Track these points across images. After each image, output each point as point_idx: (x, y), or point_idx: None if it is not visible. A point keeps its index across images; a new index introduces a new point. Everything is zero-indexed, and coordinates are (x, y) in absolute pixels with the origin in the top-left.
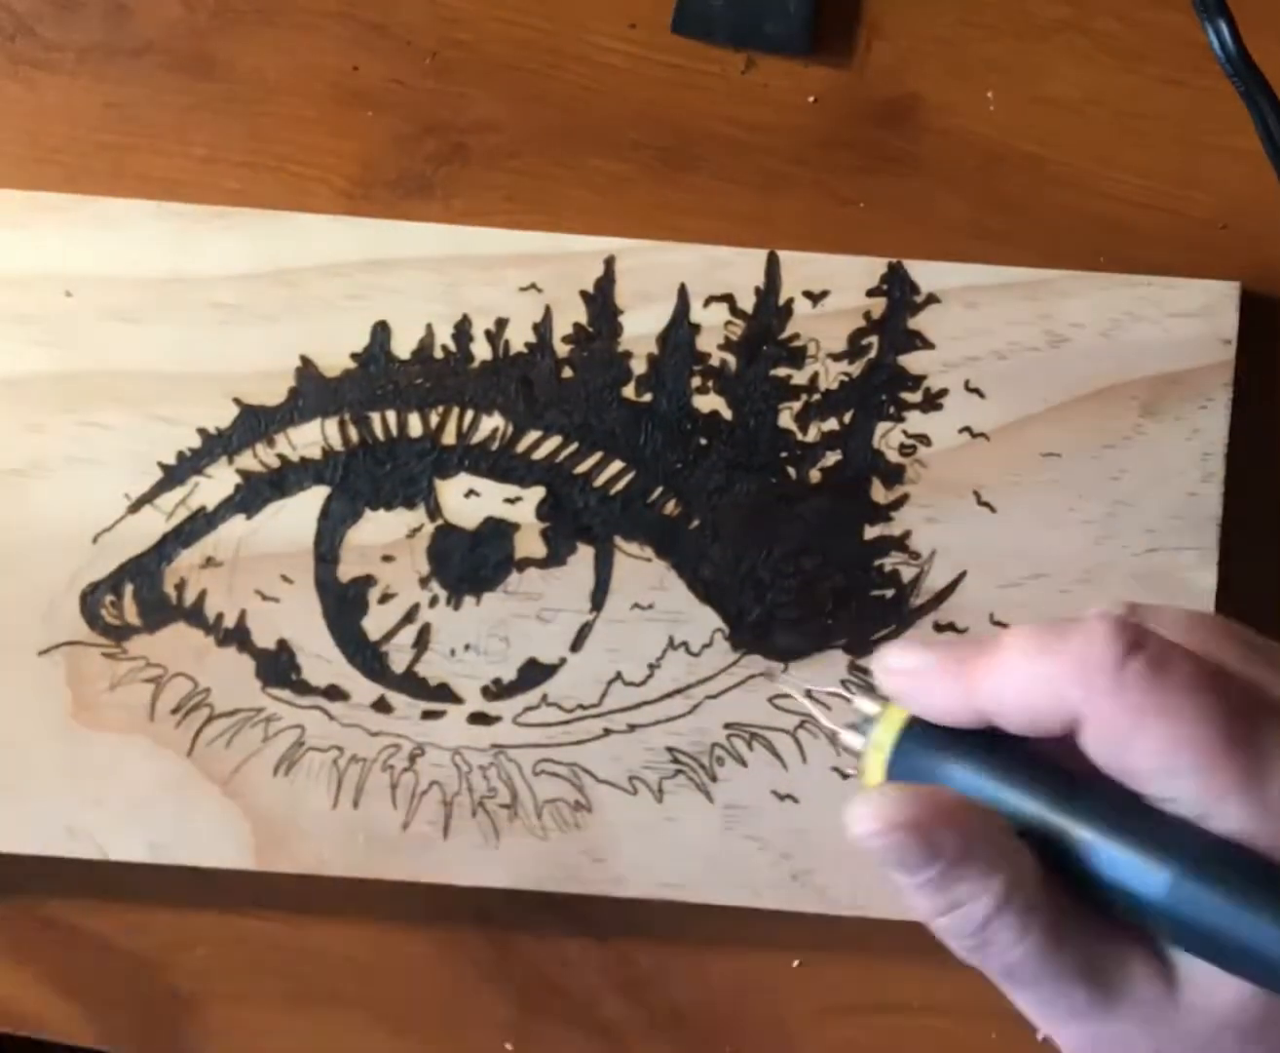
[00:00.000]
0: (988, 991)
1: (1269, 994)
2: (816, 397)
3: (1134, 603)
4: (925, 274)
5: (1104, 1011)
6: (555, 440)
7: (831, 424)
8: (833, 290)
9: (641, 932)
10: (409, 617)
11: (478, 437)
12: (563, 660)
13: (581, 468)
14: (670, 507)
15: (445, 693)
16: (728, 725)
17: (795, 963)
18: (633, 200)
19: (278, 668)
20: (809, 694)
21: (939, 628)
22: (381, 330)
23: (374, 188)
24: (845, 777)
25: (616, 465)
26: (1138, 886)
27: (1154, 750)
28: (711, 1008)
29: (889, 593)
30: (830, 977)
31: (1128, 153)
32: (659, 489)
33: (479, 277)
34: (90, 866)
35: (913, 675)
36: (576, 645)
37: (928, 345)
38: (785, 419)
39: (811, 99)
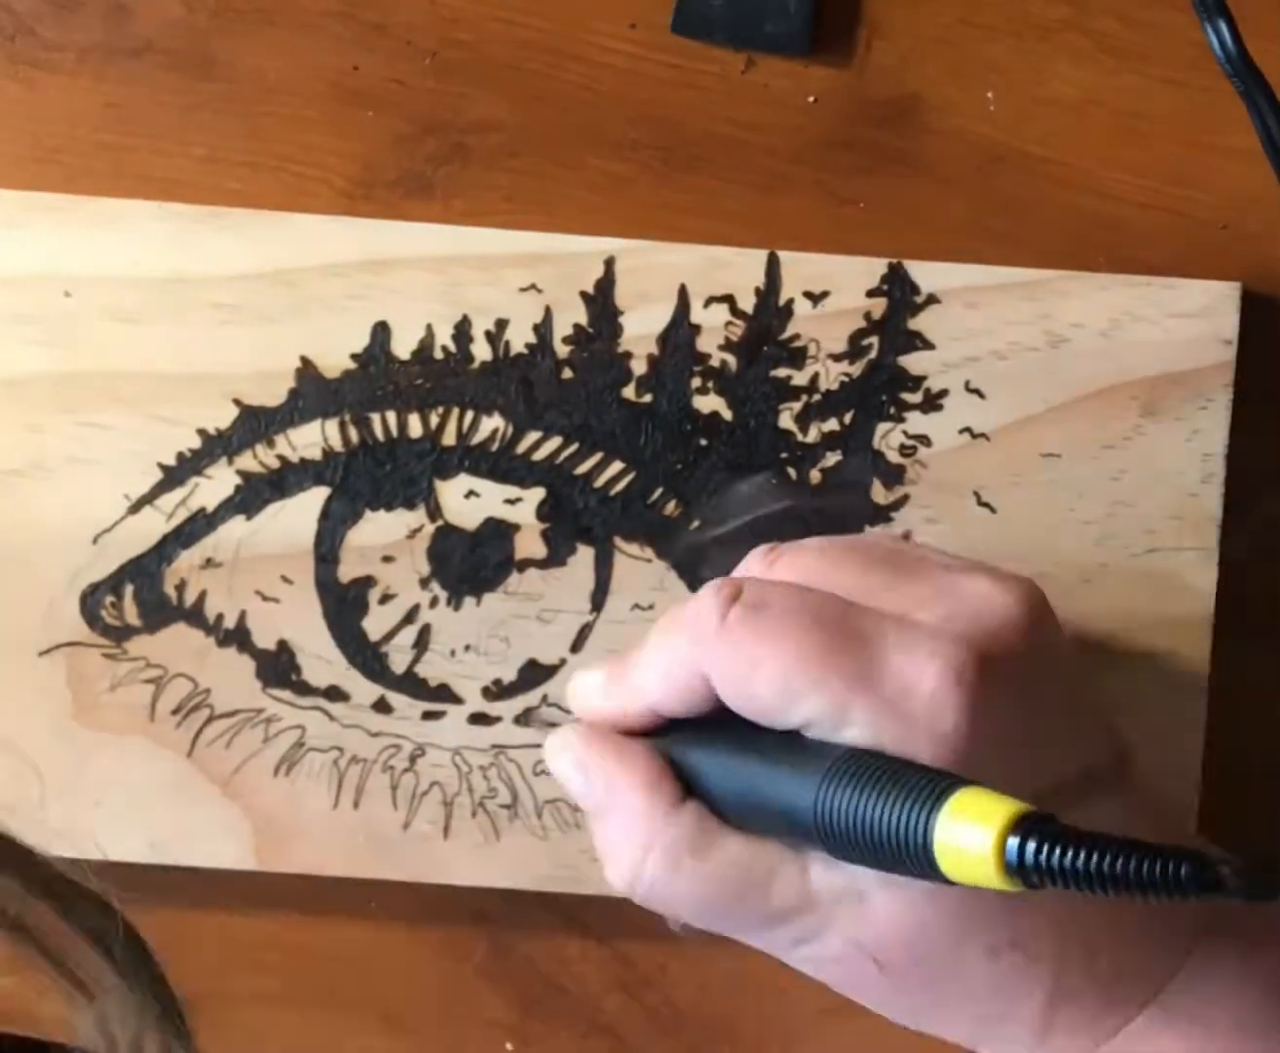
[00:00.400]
0: None
1: (958, 890)
2: (817, 397)
3: (772, 545)
4: (925, 274)
5: (797, 924)
6: (555, 441)
7: (832, 425)
8: (833, 291)
9: (641, 932)
10: (409, 617)
11: (478, 437)
12: (563, 661)
13: (582, 469)
14: (670, 507)
15: (445, 693)
16: None
17: None
18: (633, 200)
19: (278, 669)
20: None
21: None
22: (381, 331)
23: (374, 188)
24: None
25: (617, 466)
26: (792, 808)
27: (771, 683)
28: (711, 1008)
29: None
30: None
31: (1128, 153)
32: (659, 490)
33: (479, 277)
34: (90, 866)
35: (589, 695)
36: (577, 646)
37: (928, 346)
38: (785, 420)
39: (811, 99)
